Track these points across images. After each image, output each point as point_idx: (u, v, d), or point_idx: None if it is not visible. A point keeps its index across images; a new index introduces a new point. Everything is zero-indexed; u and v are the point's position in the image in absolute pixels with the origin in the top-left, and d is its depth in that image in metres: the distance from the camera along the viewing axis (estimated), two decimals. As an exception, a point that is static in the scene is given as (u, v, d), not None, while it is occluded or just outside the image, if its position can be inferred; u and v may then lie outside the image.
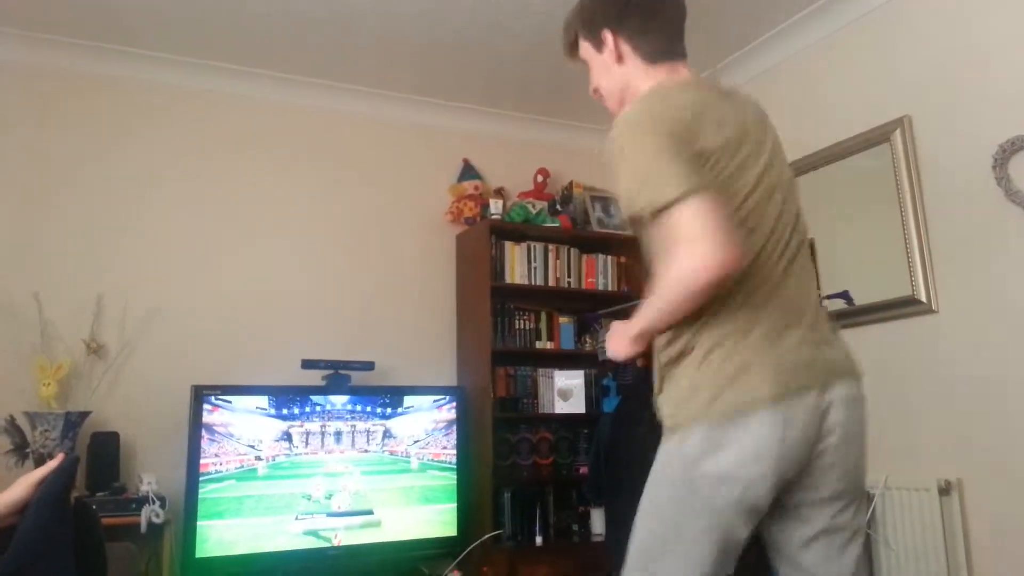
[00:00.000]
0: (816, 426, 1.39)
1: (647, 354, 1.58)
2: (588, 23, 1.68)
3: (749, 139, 1.48)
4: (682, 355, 1.46)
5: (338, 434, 3.36)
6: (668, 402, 1.49)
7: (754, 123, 1.53)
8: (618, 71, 1.65)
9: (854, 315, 3.02)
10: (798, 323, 1.44)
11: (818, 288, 1.58)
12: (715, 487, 1.36)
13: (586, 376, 3.89)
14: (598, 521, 3.66)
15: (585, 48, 1.72)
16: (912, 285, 2.84)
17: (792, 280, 1.47)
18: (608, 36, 1.63)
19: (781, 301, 1.44)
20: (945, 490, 2.63)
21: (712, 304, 1.40)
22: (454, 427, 3.58)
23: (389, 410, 3.47)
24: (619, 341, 1.54)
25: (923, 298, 2.81)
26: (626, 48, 1.63)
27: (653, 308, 1.43)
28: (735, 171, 1.44)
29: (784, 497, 1.44)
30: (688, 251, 1.31)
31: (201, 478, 3.06)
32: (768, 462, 1.35)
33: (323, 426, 3.34)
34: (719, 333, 1.41)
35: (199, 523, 3.03)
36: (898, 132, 2.94)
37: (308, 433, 3.30)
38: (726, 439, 1.36)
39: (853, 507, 1.48)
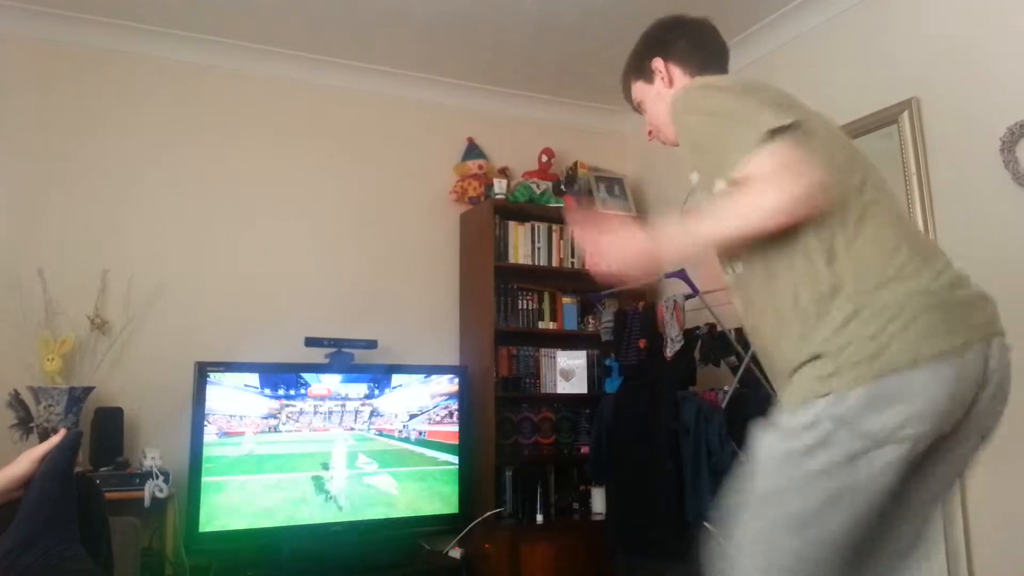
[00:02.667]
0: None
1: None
2: (638, 62, 1.80)
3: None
4: None
5: (341, 410, 3.37)
6: None
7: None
8: (669, 94, 1.71)
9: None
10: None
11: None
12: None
13: (588, 356, 3.90)
14: (599, 500, 3.68)
15: (638, 88, 1.81)
16: (917, 268, 2.83)
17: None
18: (659, 63, 1.75)
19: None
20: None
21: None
22: (456, 406, 3.59)
23: (391, 387, 3.48)
24: (633, 247, 1.45)
25: (928, 281, 2.80)
26: (676, 71, 1.73)
27: (710, 221, 1.38)
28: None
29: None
30: (786, 178, 1.30)
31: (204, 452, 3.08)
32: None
33: (325, 403, 3.35)
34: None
35: (202, 498, 3.05)
36: (906, 114, 2.92)
37: (312, 410, 3.31)
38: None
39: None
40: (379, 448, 3.41)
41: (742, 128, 1.36)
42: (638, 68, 1.81)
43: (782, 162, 1.32)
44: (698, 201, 1.51)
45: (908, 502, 1.42)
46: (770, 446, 1.36)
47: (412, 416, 3.50)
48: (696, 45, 1.74)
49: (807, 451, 1.30)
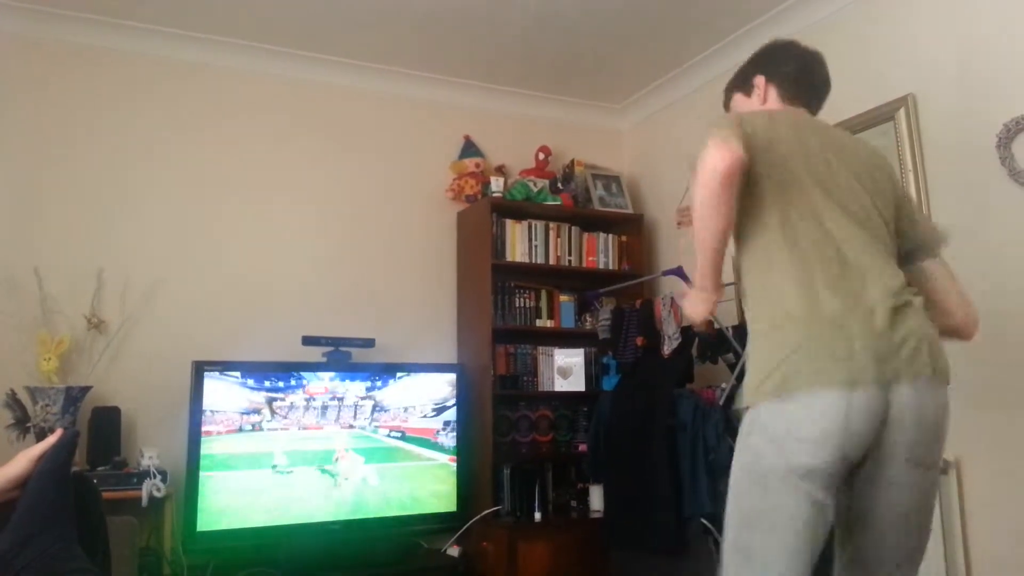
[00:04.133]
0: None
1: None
2: (743, 75, 1.93)
3: (829, 154, 1.66)
4: None
5: (338, 406, 3.37)
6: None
7: (849, 150, 1.71)
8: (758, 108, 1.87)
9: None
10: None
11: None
12: None
13: (586, 354, 3.90)
14: (596, 498, 3.68)
15: (737, 99, 1.94)
16: (913, 265, 2.83)
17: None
18: (760, 80, 1.87)
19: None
20: (943, 469, 2.64)
21: None
22: (454, 404, 3.59)
23: (389, 386, 3.48)
24: (692, 301, 1.74)
25: (924, 278, 2.80)
26: (772, 92, 1.85)
27: (698, 252, 1.62)
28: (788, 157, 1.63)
29: None
30: (700, 161, 1.51)
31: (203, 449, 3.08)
32: None
33: (319, 399, 3.35)
34: None
35: (200, 497, 3.05)
36: (902, 111, 2.92)
37: (309, 407, 3.31)
38: None
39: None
40: (376, 446, 3.41)
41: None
42: (742, 80, 1.93)
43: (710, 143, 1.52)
44: None
45: (870, 522, 1.59)
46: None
47: (409, 414, 3.50)
48: (801, 73, 1.85)
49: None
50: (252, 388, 3.23)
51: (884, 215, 1.68)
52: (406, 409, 3.50)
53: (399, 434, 3.47)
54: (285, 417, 3.26)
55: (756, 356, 1.60)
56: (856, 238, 1.59)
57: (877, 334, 1.50)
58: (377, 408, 3.44)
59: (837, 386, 1.46)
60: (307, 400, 3.31)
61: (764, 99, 1.85)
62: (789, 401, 1.49)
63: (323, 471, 3.28)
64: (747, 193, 1.59)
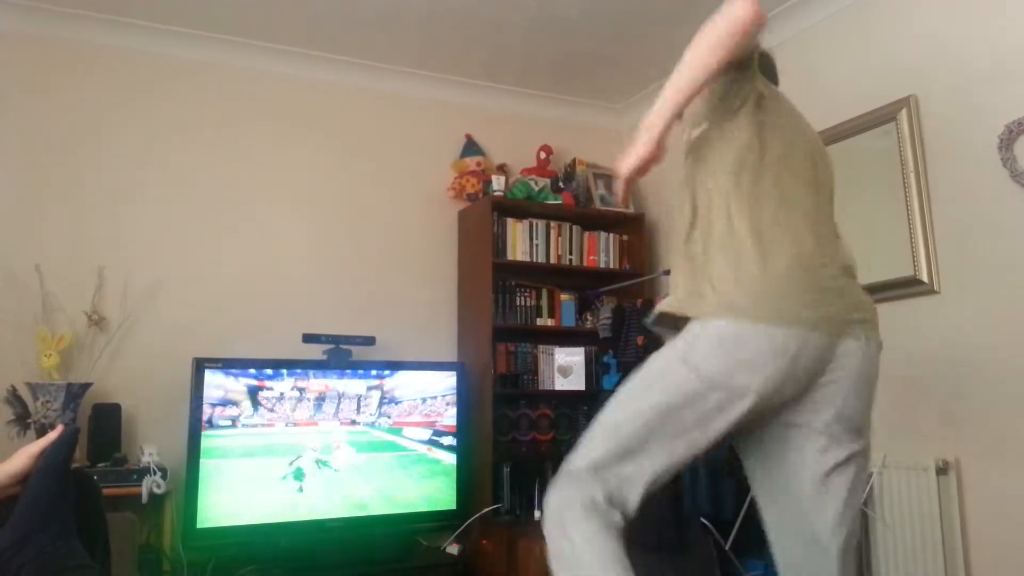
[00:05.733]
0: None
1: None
2: None
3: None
4: None
5: (337, 401, 3.37)
6: None
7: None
8: None
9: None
10: None
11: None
12: None
13: (586, 353, 3.90)
14: (596, 497, 3.68)
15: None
16: (915, 265, 2.83)
17: None
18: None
19: None
20: (943, 470, 2.64)
21: None
22: (455, 402, 3.59)
23: (389, 384, 3.48)
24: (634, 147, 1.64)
25: (925, 278, 2.81)
26: None
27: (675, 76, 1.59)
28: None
29: None
30: (719, 23, 1.58)
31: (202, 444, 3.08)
32: None
33: (322, 395, 3.35)
34: None
35: (200, 494, 3.05)
36: (904, 112, 2.92)
37: (309, 404, 3.31)
38: None
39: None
40: (376, 444, 3.41)
41: None
42: None
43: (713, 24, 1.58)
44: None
45: (790, 481, 1.58)
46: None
47: (410, 412, 3.50)
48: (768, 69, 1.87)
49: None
50: (252, 385, 3.23)
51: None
52: (406, 407, 3.50)
53: (397, 431, 3.47)
54: (284, 413, 3.26)
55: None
56: (826, 211, 1.69)
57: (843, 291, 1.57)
58: (385, 400, 3.44)
59: (800, 325, 1.48)
60: (306, 396, 3.31)
61: None
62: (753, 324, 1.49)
63: (323, 468, 3.28)
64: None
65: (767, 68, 1.87)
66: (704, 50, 1.56)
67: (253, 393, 3.22)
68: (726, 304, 1.52)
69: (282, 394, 3.27)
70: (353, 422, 3.39)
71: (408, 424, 3.49)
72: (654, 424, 1.50)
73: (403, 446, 3.47)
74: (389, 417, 3.46)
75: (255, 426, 3.20)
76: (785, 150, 1.63)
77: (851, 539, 1.57)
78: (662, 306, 1.69)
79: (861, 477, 1.58)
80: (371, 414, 3.43)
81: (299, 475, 3.23)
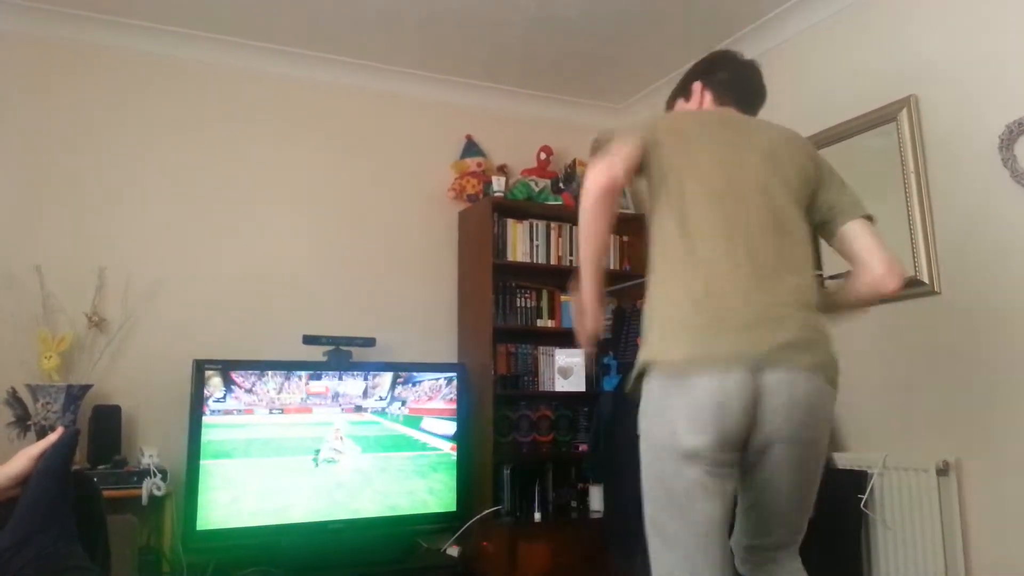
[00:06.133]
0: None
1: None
2: (684, 82, 2.07)
3: (728, 143, 1.77)
4: None
5: (337, 402, 3.37)
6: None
7: (756, 142, 1.79)
8: None
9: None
10: None
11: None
12: None
13: (586, 355, 3.89)
14: (597, 498, 3.69)
15: (679, 104, 2.07)
16: (915, 266, 2.83)
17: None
18: (697, 86, 2.01)
19: None
20: (943, 471, 2.64)
21: None
22: (455, 403, 3.59)
23: (389, 385, 3.48)
24: (581, 319, 1.86)
25: (925, 279, 2.80)
26: (708, 96, 1.98)
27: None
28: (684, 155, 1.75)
29: None
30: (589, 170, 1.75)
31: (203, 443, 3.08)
32: None
33: (324, 397, 3.35)
34: None
35: (200, 495, 3.05)
36: (904, 112, 2.92)
37: (310, 405, 3.31)
38: None
39: None
40: (376, 445, 3.41)
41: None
42: (683, 86, 2.07)
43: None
44: None
45: (758, 499, 1.68)
46: None
47: (410, 413, 3.50)
48: (734, 79, 1.99)
49: None
50: (252, 386, 3.22)
51: (790, 196, 1.76)
52: (406, 408, 3.50)
53: (399, 432, 3.46)
54: (286, 414, 3.26)
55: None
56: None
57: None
58: (378, 406, 3.44)
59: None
60: (308, 397, 3.31)
61: (700, 103, 1.99)
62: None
63: (323, 470, 3.27)
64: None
65: (740, 80, 1.98)
66: (586, 226, 1.71)
67: (253, 394, 3.22)
68: None
69: (282, 395, 3.27)
70: (358, 408, 3.38)
71: (407, 427, 3.49)
72: None
73: (404, 444, 3.45)
74: (391, 416, 3.46)
75: (255, 426, 3.20)
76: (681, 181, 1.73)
77: None
78: None
79: None
80: (381, 397, 3.43)
81: (301, 476, 3.23)
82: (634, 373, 1.68)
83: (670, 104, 2.12)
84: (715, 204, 1.67)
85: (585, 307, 1.79)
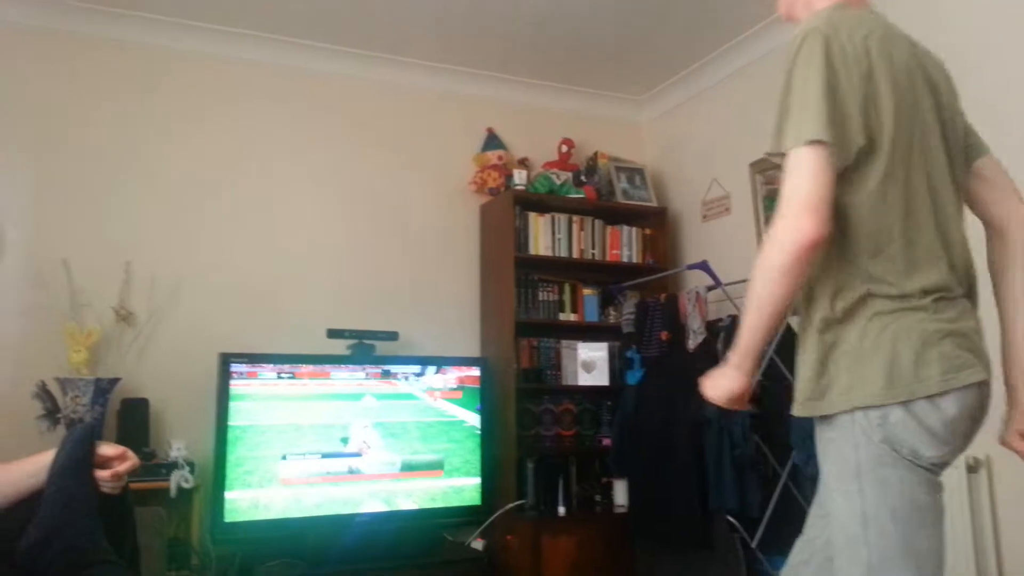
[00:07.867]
0: None
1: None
2: None
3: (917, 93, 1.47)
4: None
5: (363, 402, 3.39)
6: None
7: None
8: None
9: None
10: None
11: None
12: None
13: (609, 348, 3.87)
14: (621, 492, 3.67)
15: None
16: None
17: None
18: None
19: None
20: (973, 467, 2.59)
21: None
22: (478, 397, 3.59)
23: (413, 379, 3.49)
24: (719, 379, 1.45)
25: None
26: None
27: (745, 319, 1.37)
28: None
29: None
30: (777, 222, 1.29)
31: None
32: None
33: (347, 391, 3.37)
34: None
35: (227, 488, 3.08)
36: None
37: (335, 399, 3.33)
38: None
39: None
40: (400, 437, 3.42)
41: (794, 120, 1.34)
42: None
43: (792, 192, 1.28)
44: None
45: None
46: None
47: (432, 406, 3.51)
48: None
49: None
50: (278, 378, 3.25)
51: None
52: (429, 401, 3.51)
53: (424, 423, 3.47)
54: (312, 406, 3.29)
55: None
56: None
57: None
58: (403, 404, 3.45)
59: None
60: (333, 391, 3.33)
61: None
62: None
63: (349, 463, 3.29)
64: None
65: None
66: (772, 286, 1.30)
67: (279, 387, 3.25)
68: None
69: (307, 387, 3.29)
70: (378, 416, 3.40)
71: (432, 421, 3.50)
72: None
73: (428, 440, 3.46)
74: (418, 411, 3.47)
75: (282, 420, 3.22)
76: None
77: None
78: None
79: None
80: (396, 401, 3.45)
81: (329, 470, 3.26)
82: None
83: None
84: None
85: (741, 369, 1.41)
